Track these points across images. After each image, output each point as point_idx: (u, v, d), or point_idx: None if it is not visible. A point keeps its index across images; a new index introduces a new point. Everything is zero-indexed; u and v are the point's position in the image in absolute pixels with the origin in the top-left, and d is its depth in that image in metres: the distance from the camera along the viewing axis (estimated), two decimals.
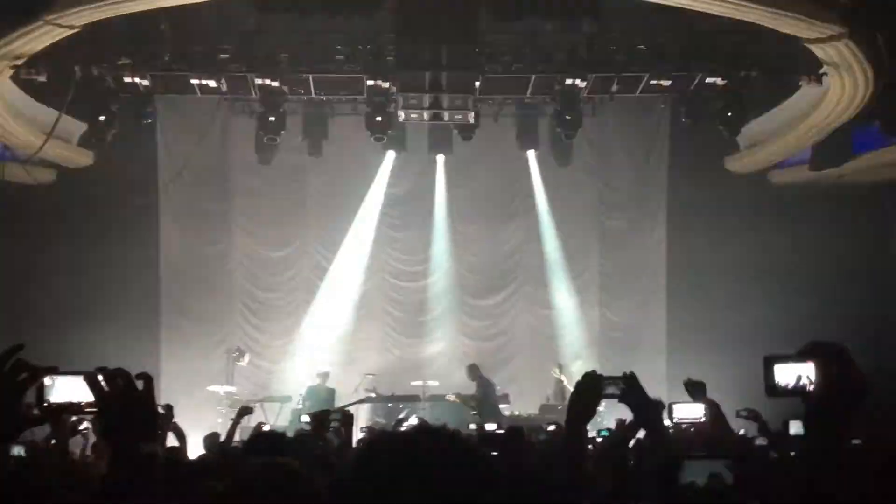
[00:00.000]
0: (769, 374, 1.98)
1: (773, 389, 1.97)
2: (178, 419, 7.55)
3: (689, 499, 2.85)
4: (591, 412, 3.21)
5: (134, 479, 2.01)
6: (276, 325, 16.15)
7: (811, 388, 1.90)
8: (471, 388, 14.22)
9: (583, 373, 3.25)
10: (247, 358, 15.10)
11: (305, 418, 6.43)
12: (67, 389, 2.16)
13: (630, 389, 3.22)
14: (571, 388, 3.23)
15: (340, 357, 15.79)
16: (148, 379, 2.11)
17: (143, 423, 2.05)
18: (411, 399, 14.39)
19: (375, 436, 1.75)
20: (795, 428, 5.53)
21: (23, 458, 4.97)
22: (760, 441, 7.04)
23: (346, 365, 15.60)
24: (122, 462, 2.02)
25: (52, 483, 3.91)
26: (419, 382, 14.63)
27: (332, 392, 14.33)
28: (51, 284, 13.97)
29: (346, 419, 5.69)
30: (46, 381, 2.16)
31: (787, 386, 1.96)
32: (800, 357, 1.93)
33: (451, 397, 13.99)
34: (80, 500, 3.89)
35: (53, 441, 5.30)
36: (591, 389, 3.19)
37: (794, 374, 1.94)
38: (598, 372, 3.25)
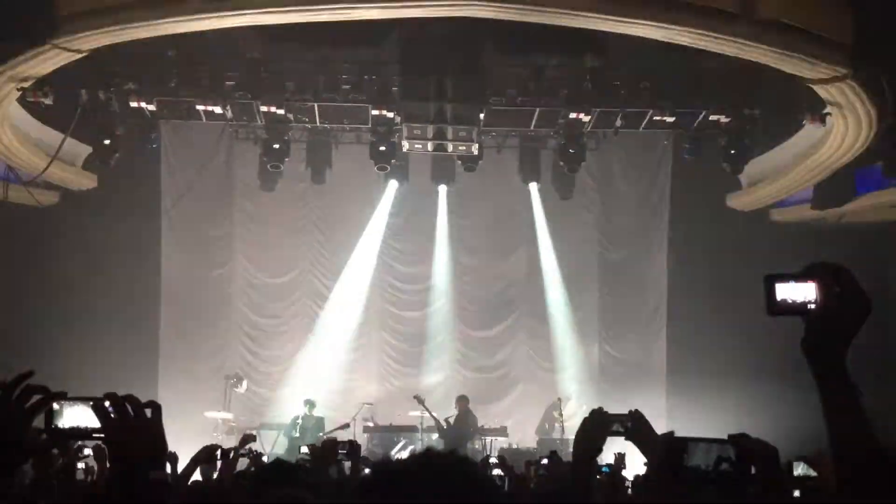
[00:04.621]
0: (770, 292, 1.95)
1: (774, 307, 1.94)
2: (173, 444, 7.47)
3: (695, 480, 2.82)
4: (597, 449, 3.26)
5: None
6: (275, 352, 16.09)
7: (812, 306, 1.89)
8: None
9: (580, 409, 3.28)
10: (244, 384, 14.98)
11: (305, 449, 6.26)
12: (75, 415, 2.14)
13: (636, 427, 3.25)
14: (565, 424, 3.25)
15: (338, 385, 15.71)
16: (157, 407, 2.10)
17: (152, 450, 2.04)
18: (409, 430, 14.29)
19: (380, 465, 1.72)
20: (800, 470, 5.42)
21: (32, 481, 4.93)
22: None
23: (344, 393, 15.52)
24: (130, 489, 2.00)
25: None
26: (417, 413, 14.53)
27: (321, 420, 14.21)
28: (51, 306, 13.93)
29: (353, 450, 5.48)
30: (54, 406, 2.15)
31: (788, 303, 1.92)
32: (801, 277, 1.91)
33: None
34: None
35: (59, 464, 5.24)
36: (597, 426, 3.23)
37: (796, 293, 1.91)
38: (603, 409, 3.30)
